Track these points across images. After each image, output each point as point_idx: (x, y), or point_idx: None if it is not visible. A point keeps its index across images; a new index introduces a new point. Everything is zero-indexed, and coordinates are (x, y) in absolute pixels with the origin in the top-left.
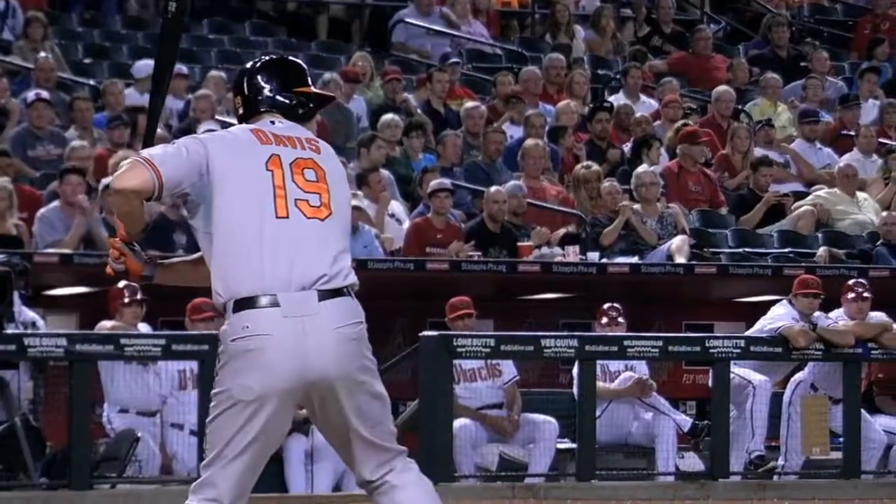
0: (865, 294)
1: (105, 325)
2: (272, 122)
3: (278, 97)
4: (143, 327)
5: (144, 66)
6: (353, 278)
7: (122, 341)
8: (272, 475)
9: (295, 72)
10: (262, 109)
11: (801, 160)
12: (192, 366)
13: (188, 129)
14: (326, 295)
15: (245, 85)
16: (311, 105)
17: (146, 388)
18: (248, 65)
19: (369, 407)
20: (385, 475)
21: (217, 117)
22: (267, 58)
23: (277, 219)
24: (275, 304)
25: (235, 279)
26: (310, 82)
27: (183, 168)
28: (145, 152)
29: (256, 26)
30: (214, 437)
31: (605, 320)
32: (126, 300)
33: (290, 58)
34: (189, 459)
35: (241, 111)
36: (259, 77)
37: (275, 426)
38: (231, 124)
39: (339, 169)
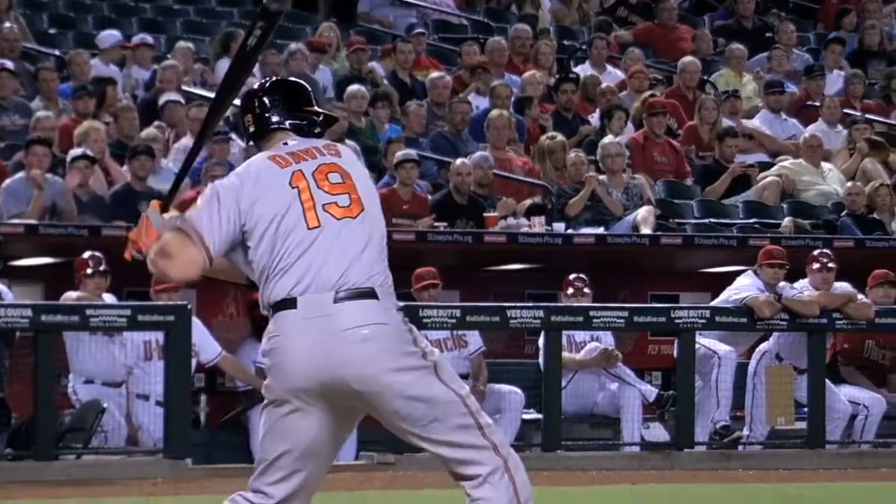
0: (830, 264)
1: (70, 296)
2: (285, 143)
3: (289, 116)
4: (109, 298)
5: (109, 35)
6: (380, 279)
7: (88, 312)
8: (238, 446)
9: (303, 92)
10: (273, 128)
11: (762, 136)
12: (157, 336)
13: (153, 99)
14: (347, 296)
15: (256, 104)
16: (320, 124)
17: (111, 359)
18: (256, 85)
19: (409, 409)
20: (466, 482)
21: (184, 87)
22: (275, 78)
23: (309, 230)
24: (294, 306)
25: (273, 289)
26: (314, 102)
27: (227, 236)
28: (191, 220)
29: None
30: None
31: (570, 291)
32: (90, 271)
33: (295, 79)
34: (155, 430)
35: (251, 129)
36: (268, 97)
37: (301, 427)
38: (198, 95)
39: (361, 167)
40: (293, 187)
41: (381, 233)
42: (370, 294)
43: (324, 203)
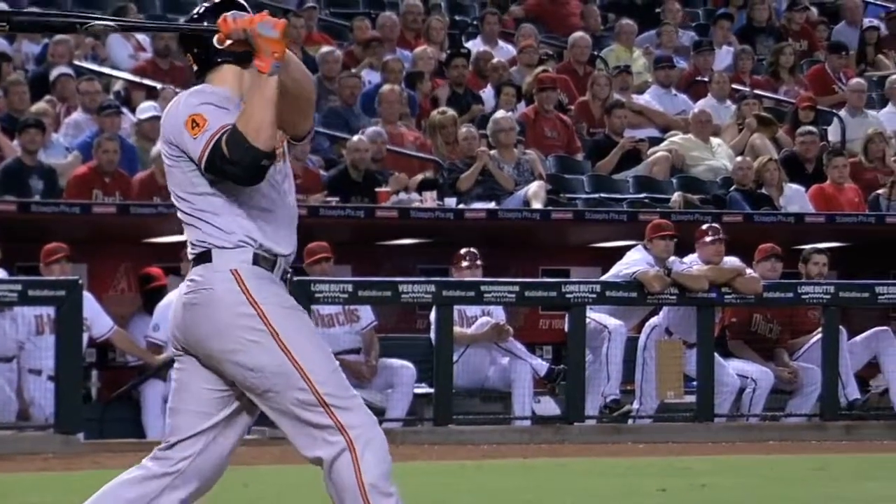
0: (721, 236)
1: None
2: None
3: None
4: (0, 273)
5: None
6: (221, 239)
7: None
8: (129, 420)
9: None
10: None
11: (652, 111)
12: (49, 311)
13: (44, 73)
14: (191, 259)
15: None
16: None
17: (2, 334)
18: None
19: (241, 377)
20: (317, 465)
21: (75, 62)
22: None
23: None
24: None
25: None
26: None
27: None
28: None
29: None
30: None
31: (464, 264)
32: None
33: None
34: (47, 405)
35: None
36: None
37: (186, 382)
38: (88, 70)
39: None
40: None
41: (190, 198)
42: (201, 257)
43: None
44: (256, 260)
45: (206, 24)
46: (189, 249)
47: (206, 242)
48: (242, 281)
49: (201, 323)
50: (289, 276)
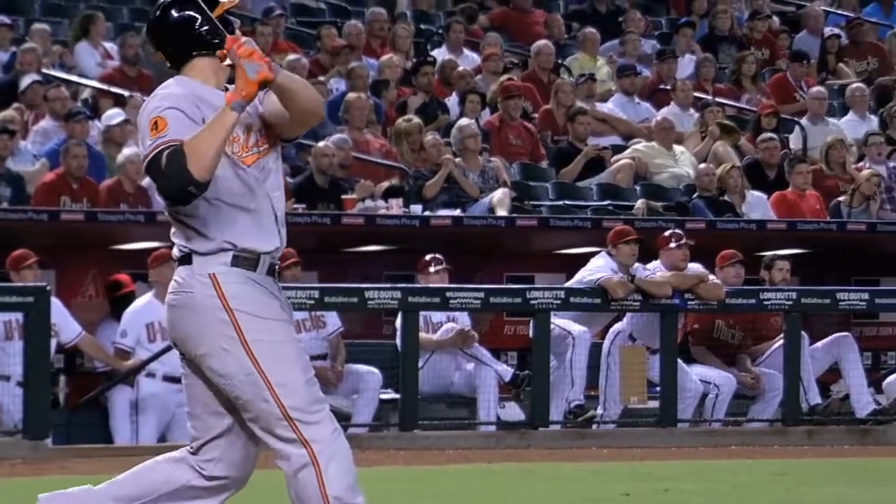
0: (685, 241)
1: None
2: None
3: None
4: None
5: None
6: (200, 245)
7: None
8: (97, 426)
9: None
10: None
11: (615, 119)
12: (17, 317)
13: (13, 81)
14: (176, 263)
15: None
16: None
17: None
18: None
19: (216, 381)
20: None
21: (43, 70)
22: None
23: None
24: None
25: None
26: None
27: None
28: None
29: None
30: None
31: (430, 270)
32: None
33: None
34: (16, 411)
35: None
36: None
37: (192, 385)
38: (56, 77)
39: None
40: None
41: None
42: (184, 260)
43: None
44: (237, 261)
45: (218, 30)
46: (174, 250)
47: (187, 247)
48: (220, 286)
49: (182, 324)
50: (276, 268)
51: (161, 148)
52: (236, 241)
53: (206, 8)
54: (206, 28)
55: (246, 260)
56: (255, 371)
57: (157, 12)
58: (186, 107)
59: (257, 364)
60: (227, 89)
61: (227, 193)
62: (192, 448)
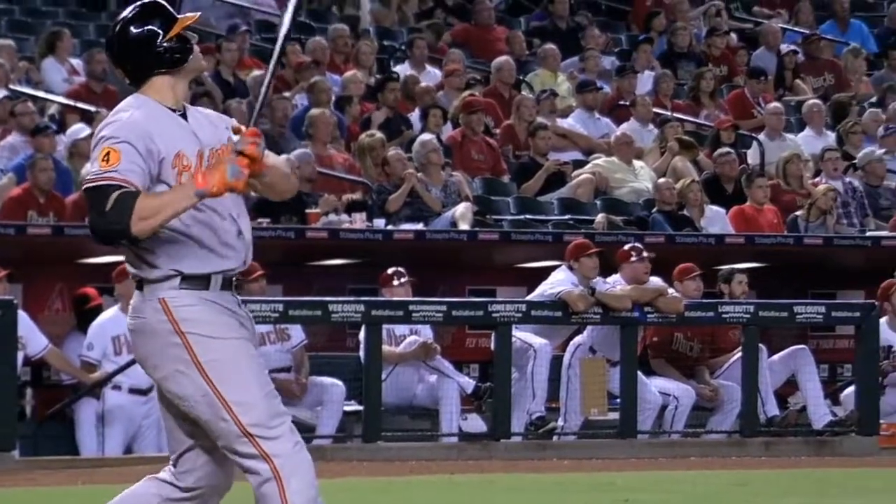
0: (645, 254)
1: None
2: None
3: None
4: None
5: None
6: (147, 272)
7: None
8: (63, 438)
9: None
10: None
11: (576, 135)
12: None
13: None
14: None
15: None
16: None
17: None
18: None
19: (178, 404)
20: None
21: (11, 86)
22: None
23: None
24: None
25: None
26: None
27: None
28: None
29: None
30: None
31: (394, 283)
32: None
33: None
34: None
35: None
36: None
37: (163, 401)
38: (23, 93)
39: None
40: None
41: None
42: (137, 285)
43: None
44: (188, 283)
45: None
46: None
47: (137, 274)
48: (170, 311)
49: (139, 348)
50: (233, 281)
51: (111, 183)
52: (183, 268)
53: (165, 25)
54: (165, 45)
55: (196, 280)
56: (210, 392)
57: (117, 28)
58: (140, 143)
59: (212, 385)
60: (185, 107)
61: (173, 222)
62: (171, 461)
